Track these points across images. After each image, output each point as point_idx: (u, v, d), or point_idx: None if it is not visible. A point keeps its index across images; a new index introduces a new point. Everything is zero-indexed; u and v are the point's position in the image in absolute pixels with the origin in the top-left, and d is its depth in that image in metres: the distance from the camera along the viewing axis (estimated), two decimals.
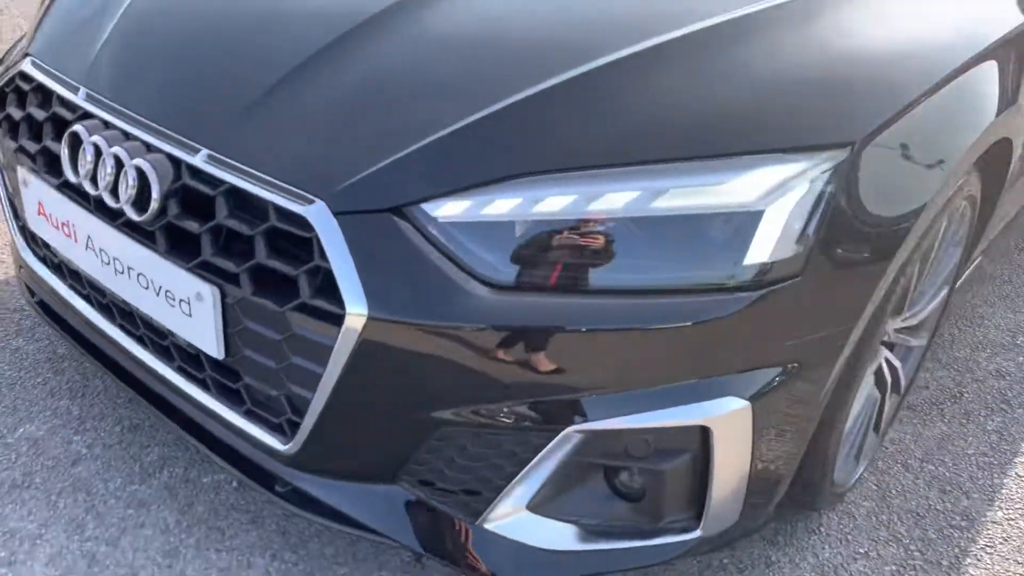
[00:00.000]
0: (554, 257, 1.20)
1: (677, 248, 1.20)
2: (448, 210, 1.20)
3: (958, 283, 2.23)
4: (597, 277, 1.20)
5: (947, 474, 2.00)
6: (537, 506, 1.35)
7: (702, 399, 1.24)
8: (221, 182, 1.30)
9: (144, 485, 1.78)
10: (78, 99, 1.50)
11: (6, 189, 1.76)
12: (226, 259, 1.29)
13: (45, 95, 1.59)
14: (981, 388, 2.31)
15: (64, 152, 1.47)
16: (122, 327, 1.58)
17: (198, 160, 1.32)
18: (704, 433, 1.26)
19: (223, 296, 1.31)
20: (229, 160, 1.30)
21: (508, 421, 1.24)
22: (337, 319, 1.20)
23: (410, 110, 1.27)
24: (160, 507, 1.74)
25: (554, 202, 1.19)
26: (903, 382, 1.94)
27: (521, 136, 1.23)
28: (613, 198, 1.19)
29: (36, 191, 1.59)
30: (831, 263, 1.25)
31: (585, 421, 1.23)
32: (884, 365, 1.81)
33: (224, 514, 1.73)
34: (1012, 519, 1.90)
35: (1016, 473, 2.03)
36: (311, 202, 1.22)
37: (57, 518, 1.70)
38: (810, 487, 1.59)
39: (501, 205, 1.20)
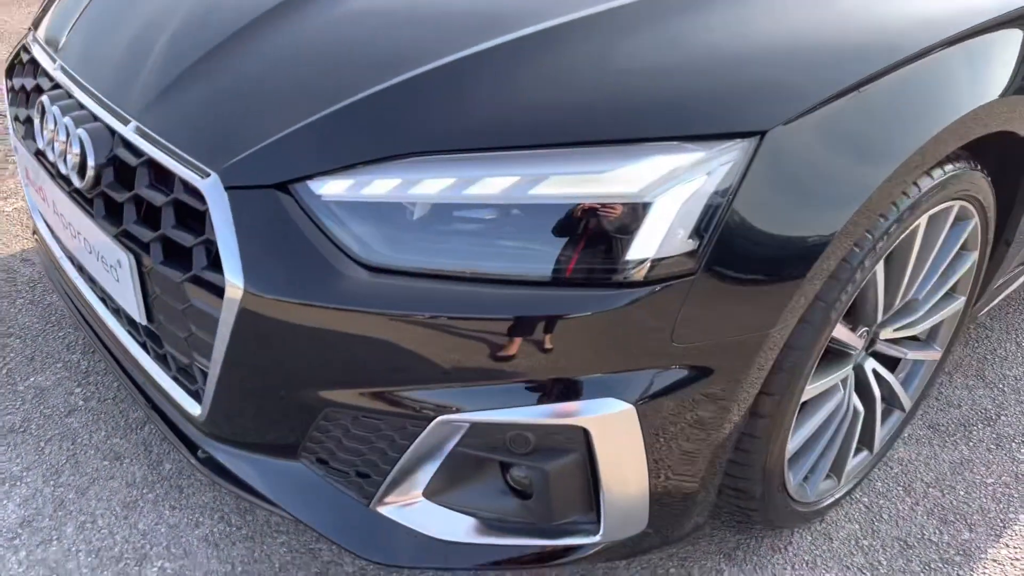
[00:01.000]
0: (430, 241, 1.17)
1: (556, 238, 1.14)
2: (331, 188, 1.19)
3: (1002, 294, 2.02)
4: (474, 264, 1.16)
5: (954, 503, 1.82)
6: (434, 494, 1.33)
7: (579, 398, 1.17)
8: (142, 153, 1.34)
9: (124, 439, 1.88)
10: (53, 70, 1.59)
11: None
12: (142, 228, 1.34)
13: (36, 67, 1.70)
14: None
15: (35, 120, 1.57)
16: (91, 288, 1.66)
17: (127, 131, 1.37)
18: (587, 435, 1.20)
19: (139, 264, 1.36)
20: (151, 133, 1.34)
21: (382, 406, 1.22)
22: (220, 291, 1.22)
23: (302, 88, 1.27)
24: (132, 462, 1.83)
25: (431, 185, 1.16)
26: (904, 398, 1.78)
27: (406, 116, 1.20)
28: (491, 183, 1.14)
29: (23, 157, 1.70)
30: (734, 263, 1.15)
31: (456, 412, 1.20)
32: (870, 375, 1.66)
33: (188, 474, 1.81)
34: (1017, 559, 1.71)
35: None
36: (207, 175, 1.24)
37: (40, 463, 1.82)
38: (752, 500, 1.48)
39: (380, 186, 1.17)
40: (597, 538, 1.33)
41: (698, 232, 1.13)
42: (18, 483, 1.77)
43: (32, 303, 2.30)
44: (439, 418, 1.20)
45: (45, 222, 1.83)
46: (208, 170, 1.24)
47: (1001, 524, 1.78)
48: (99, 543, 1.65)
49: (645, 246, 1.13)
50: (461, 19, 1.30)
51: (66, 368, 2.08)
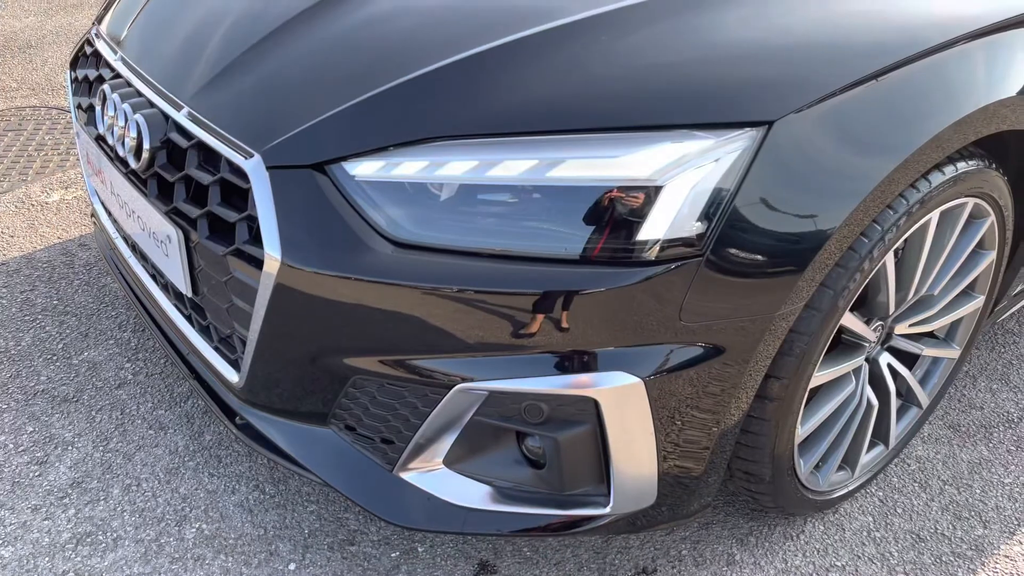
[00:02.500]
0: (455, 220, 1.25)
1: (571, 218, 1.21)
2: (364, 169, 1.28)
3: (1017, 290, 2.03)
4: (495, 241, 1.23)
5: (970, 500, 1.84)
6: (454, 462, 1.40)
7: (590, 371, 1.24)
8: (193, 136, 1.45)
9: (169, 411, 2.00)
10: (114, 61, 1.71)
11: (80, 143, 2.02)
12: (190, 206, 1.44)
13: (99, 59, 1.82)
14: None
15: (97, 107, 1.69)
16: (142, 265, 1.78)
17: (180, 116, 1.48)
18: (597, 407, 1.26)
19: (187, 239, 1.46)
20: (201, 118, 1.45)
21: (406, 374, 1.30)
22: (260, 264, 1.31)
23: (338, 78, 1.36)
24: (176, 432, 1.94)
25: (456, 167, 1.24)
26: (921, 395, 1.81)
27: (433, 104, 1.28)
28: (511, 165, 1.22)
29: (84, 143, 1.82)
30: (740, 247, 1.21)
31: (474, 380, 1.27)
32: (884, 369, 1.70)
33: (227, 445, 1.91)
34: None
35: None
36: (251, 156, 1.34)
37: (91, 430, 1.94)
38: (762, 484, 1.53)
39: (409, 167, 1.26)
40: (607, 510, 1.39)
41: (706, 216, 1.20)
42: (70, 448, 1.89)
43: (88, 284, 2.44)
44: (458, 386, 1.28)
45: (103, 204, 1.95)
46: (252, 151, 1.34)
47: (1016, 522, 1.79)
48: (143, 504, 1.76)
49: (656, 227, 1.19)
50: (486, 16, 1.39)
51: (117, 345, 2.20)
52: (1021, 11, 1.45)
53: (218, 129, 1.41)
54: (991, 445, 1.99)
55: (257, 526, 1.72)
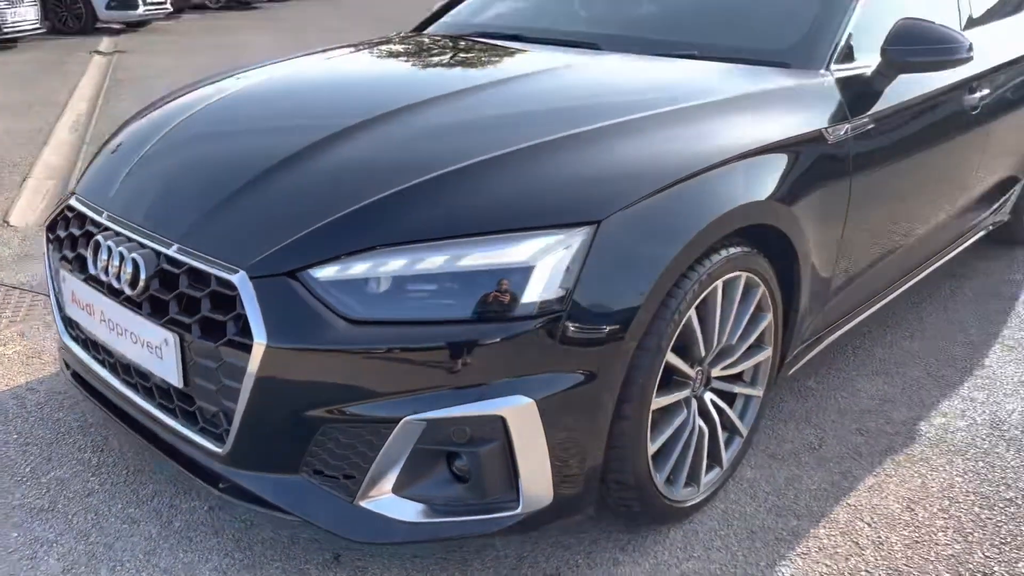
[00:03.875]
0: (393, 300, 1.79)
1: (475, 292, 1.77)
2: (325, 273, 1.81)
3: (800, 361, 2.71)
4: (424, 312, 1.78)
5: (786, 503, 2.43)
6: (399, 488, 1.87)
7: (498, 396, 1.77)
8: (183, 264, 1.94)
9: (138, 509, 2.34)
10: (102, 219, 2.19)
11: (54, 290, 2.44)
12: (184, 315, 1.91)
13: (82, 219, 2.29)
14: (839, 442, 2.74)
15: (89, 255, 2.14)
16: (123, 379, 2.18)
17: (172, 251, 1.97)
18: (505, 424, 1.79)
19: (182, 341, 1.92)
20: (190, 249, 1.94)
21: (364, 415, 1.79)
22: (248, 348, 1.79)
23: (303, 208, 1.91)
24: (147, 523, 2.28)
25: (392, 265, 1.79)
26: (741, 427, 2.41)
27: (373, 223, 1.85)
28: (431, 260, 1.79)
29: (70, 284, 2.25)
30: (589, 304, 1.80)
31: (417, 412, 1.77)
32: (709, 404, 2.30)
33: (195, 527, 2.27)
34: (831, 535, 2.31)
35: (847, 503, 2.44)
36: (236, 271, 1.84)
37: (70, 530, 2.25)
38: (630, 490, 2.06)
39: (358, 268, 1.80)
40: (519, 510, 1.88)
41: (564, 284, 1.79)
42: (54, 544, 2.20)
43: (42, 420, 2.75)
44: (405, 418, 1.77)
45: (74, 338, 2.36)
46: (237, 268, 1.84)
47: (820, 514, 2.38)
48: None
49: (533, 293, 1.77)
50: (404, 162, 2.00)
51: (80, 464, 2.53)
52: (768, 142, 2.20)
53: (206, 256, 1.91)
54: (800, 465, 2.61)
55: None
